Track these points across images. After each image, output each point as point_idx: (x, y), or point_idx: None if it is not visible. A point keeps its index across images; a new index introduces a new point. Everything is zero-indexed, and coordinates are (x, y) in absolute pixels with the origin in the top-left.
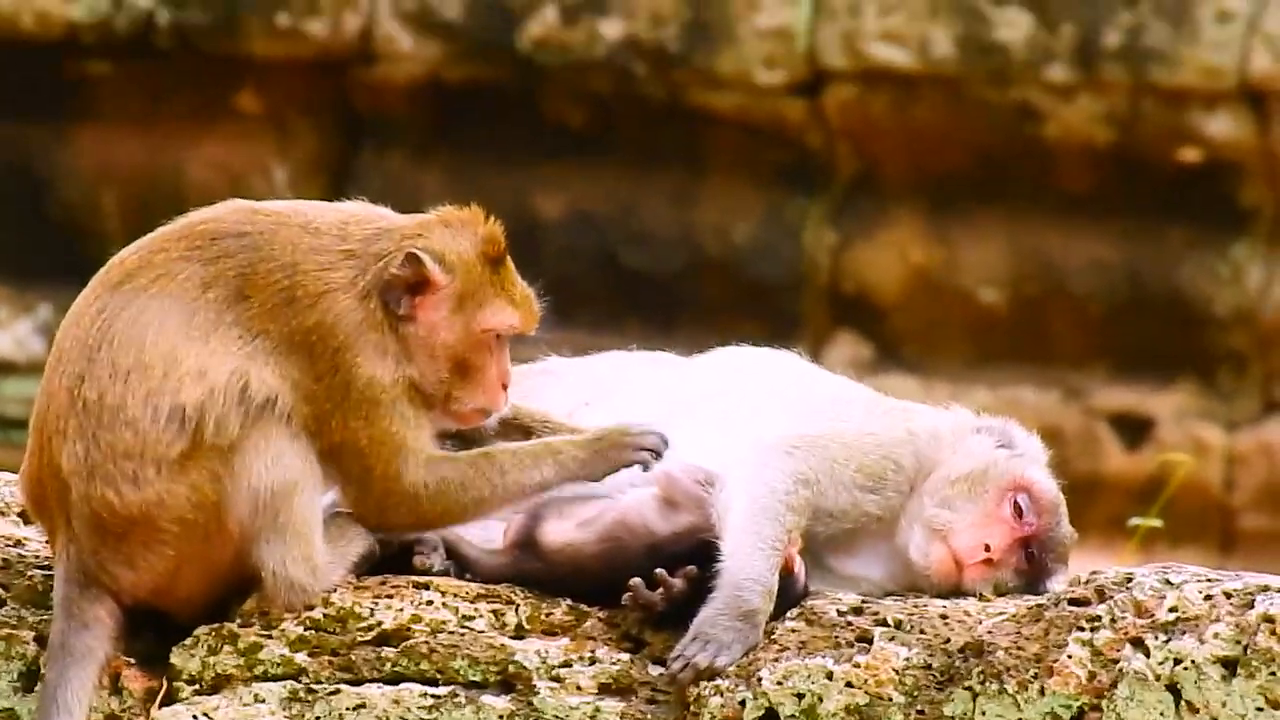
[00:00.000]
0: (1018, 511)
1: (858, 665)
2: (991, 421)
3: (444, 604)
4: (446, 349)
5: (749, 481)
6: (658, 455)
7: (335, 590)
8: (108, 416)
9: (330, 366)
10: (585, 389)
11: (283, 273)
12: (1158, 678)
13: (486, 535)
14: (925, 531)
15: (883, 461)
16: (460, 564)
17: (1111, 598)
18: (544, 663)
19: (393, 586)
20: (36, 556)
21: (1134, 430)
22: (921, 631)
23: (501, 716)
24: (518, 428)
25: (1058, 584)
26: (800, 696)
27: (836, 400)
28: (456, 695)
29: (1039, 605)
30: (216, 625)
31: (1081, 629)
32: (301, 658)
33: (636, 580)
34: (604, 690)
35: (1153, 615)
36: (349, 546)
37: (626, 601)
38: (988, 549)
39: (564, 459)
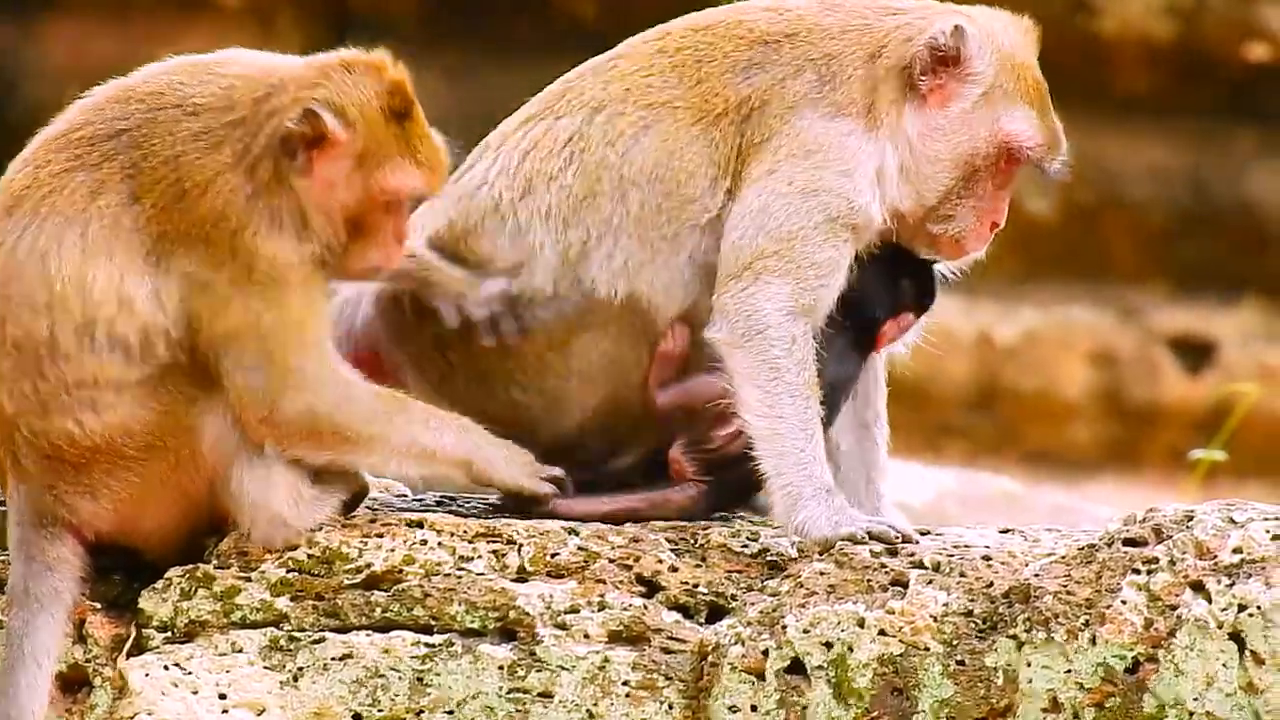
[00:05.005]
0: (1012, 165)
1: (891, 612)
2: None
3: (439, 544)
4: (344, 209)
5: None
6: (546, 501)
7: (320, 528)
8: (44, 351)
9: (229, 251)
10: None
11: (167, 167)
12: (1220, 625)
13: None
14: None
15: None
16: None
17: (1170, 538)
18: (548, 608)
19: (383, 525)
20: None
21: (1196, 354)
22: (962, 574)
23: (502, 666)
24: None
25: None
26: (828, 646)
27: None
28: (452, 644)
29: (1090, 546)
30: (190, 567)
31: (1137, 571)
32: (283, 603)
33: None
34: (614, 638)
35: (1215, 557)
36: (338, 482)
37: None
38: (995, 226)
39: (473, 443)
